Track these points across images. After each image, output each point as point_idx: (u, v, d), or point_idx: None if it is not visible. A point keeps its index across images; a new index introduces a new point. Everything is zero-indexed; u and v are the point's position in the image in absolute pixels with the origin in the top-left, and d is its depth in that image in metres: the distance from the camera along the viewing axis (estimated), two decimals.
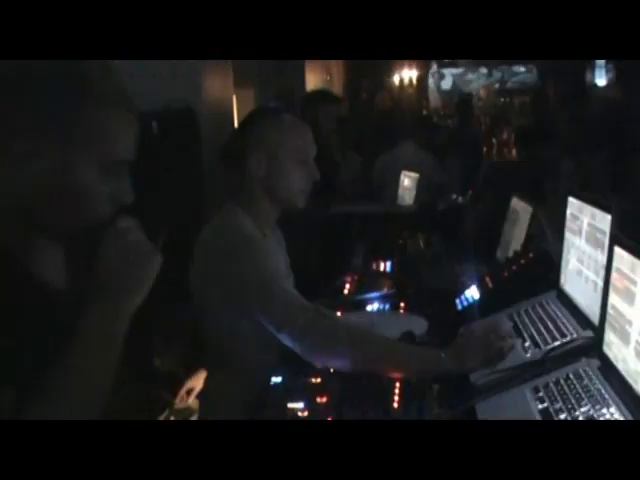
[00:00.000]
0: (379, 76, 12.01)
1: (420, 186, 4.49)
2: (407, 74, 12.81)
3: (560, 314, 1.76)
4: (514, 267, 2.07)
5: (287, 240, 2.08)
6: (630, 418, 1.20)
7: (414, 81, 12.90)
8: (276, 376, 1.65)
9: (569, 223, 1.86)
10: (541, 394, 1.38)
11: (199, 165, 3.95)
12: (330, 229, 3.56)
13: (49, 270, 1.15)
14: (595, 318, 1.54)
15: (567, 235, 1.87)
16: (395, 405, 1.48)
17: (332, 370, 1.65)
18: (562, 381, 1.40)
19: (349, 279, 2.48)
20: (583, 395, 1.32)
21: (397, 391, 1.52)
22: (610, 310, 1.42)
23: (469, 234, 3.12)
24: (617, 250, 1.41)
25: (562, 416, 1.28)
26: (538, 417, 1.31)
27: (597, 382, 1.35)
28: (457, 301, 2.14)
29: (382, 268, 2.69)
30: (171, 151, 3.62)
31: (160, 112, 3.52)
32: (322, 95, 4.02)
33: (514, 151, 5.13)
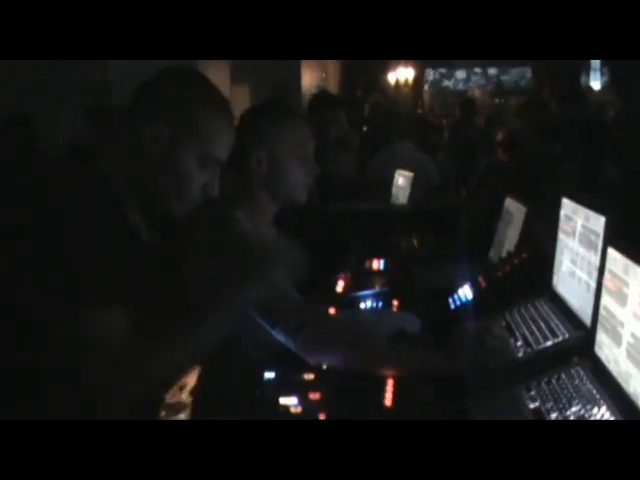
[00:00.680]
0: (375, 75, 12.01)
1: (414, 185, 4.49)
2: (403, 73, 12.81)
3: (552, 315, 1.76)
4: (507, 267, 2.07)
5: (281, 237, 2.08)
6: (620, 418, 1.21)
7: (409, 81, 12.89)
8: (269, 372, 1.65)
9: (563, 224, 1.87)
10: (533, 393, 1.39)
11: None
12: (324, 227, 3.54)
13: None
14: (587, 319, 1.55)
15: (560, 236, 1.88)
16: (388, 403, 1.48)
17: (325, 367, 1.65)
18: (554, 381, 1.41)
19: (343, 277, 2.48)
20: (574, 395, 1.33)
21: (390, 388, 1.53)
22: (602, 311, 1.43)
23: (463, 234, 3.12)
24: (610, 252, 1.42)
25: (553, 416, 1.29)
26: (530, 417, 1.32)
27: (588, 382, 1.36)
28: (450, 300, 2.14)
29: (376, 267, 2.70)
30: None
31: None
32: (330, 101, 3.63)
33: (508, 152, 5.13)
